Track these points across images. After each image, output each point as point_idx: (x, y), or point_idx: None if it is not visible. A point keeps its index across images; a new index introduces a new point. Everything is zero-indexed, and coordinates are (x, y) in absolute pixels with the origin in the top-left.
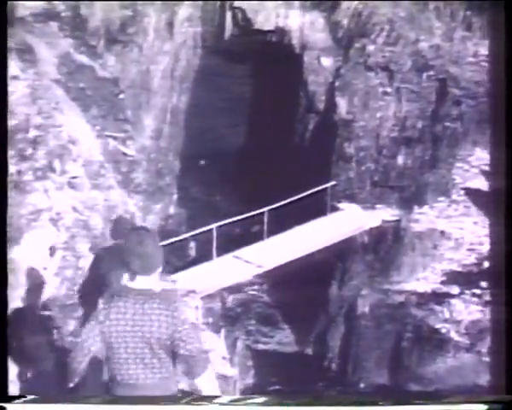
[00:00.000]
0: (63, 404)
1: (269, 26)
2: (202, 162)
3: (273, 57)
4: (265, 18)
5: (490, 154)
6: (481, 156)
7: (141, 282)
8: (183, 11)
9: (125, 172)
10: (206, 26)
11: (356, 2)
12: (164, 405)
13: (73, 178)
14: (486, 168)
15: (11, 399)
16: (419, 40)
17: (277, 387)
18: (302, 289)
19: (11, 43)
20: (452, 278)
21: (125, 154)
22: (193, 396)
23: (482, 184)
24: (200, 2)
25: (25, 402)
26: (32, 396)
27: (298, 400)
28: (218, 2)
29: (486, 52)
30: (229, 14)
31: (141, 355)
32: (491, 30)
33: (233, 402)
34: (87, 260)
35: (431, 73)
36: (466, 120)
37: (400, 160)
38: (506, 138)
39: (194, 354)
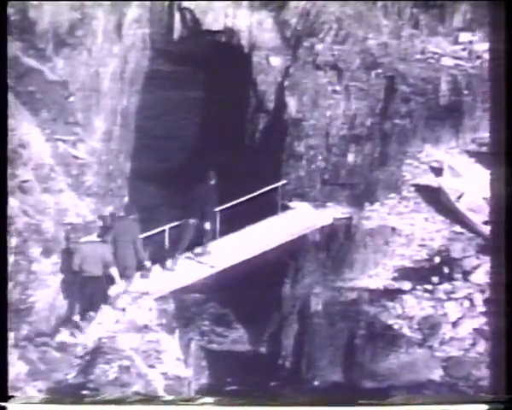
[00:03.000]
0: (63, 404)
1: (217, 27)
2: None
3: (222, 57)
4: (214, 18)
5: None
6: (431, 153)
7: None
8: (132, 13)
9: (76, 175)
10: (155, 28)
11: (304, 1)
12: (117, 405)
13: (24, 182)
14: (436, 164)
15: (11, 399)
16: (367, 38)
17: (232, 387)
18: (255, 288)
19: None
20: (404, 274)
21: (75, 157)
22: (140, 396)
23: (432, 180)
24: (149, 4)
25: (25, 402)
26: (32, 396)
27: (250, 399)
28: (167, 3)
29: (434, 49)
30: (177, 16)
31: None
32: (491, 29)
33: (184, 402)
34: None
35: (379, 70)
36: (415, 116)
37: (350, 158)
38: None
39: None
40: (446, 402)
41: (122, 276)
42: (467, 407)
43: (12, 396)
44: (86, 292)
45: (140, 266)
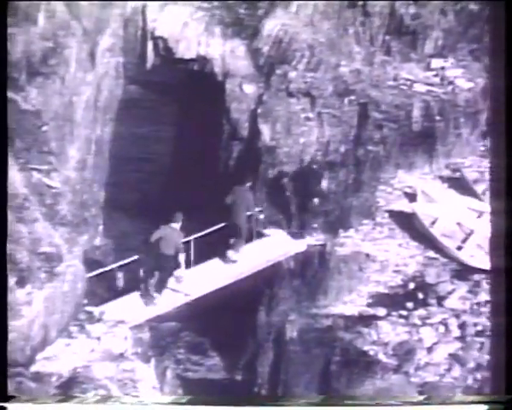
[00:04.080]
0: (63, 404)
1: (190, 55)
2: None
3: (195, 86)
4: (187, 47)
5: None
6: (404, 179)
7: None
8: (105, 42)
9: (50, 205)
10: (128, 57)
11: (277, 29)
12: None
13: None
14: (409, 190)
15: (11, 399)
16: (339, 65)
17: None
18: (230, 316)
19: None
20: (379, 300)
21: (49, 186)
22: (103, 395)
23: (405, 206)
24: (121, 33)
25: (25, 402)
26: (32, 396)
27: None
28: (140, 32)
29: (406, 75)
30: (150, 44)
31: None
32: (491, 29)
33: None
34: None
35: (352, 97)
36: (388, 143)
37: (324, 184)
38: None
39: None
40: (446, 402)
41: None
42: (467, 407)
43: (12, 396)
44: (158, 265)
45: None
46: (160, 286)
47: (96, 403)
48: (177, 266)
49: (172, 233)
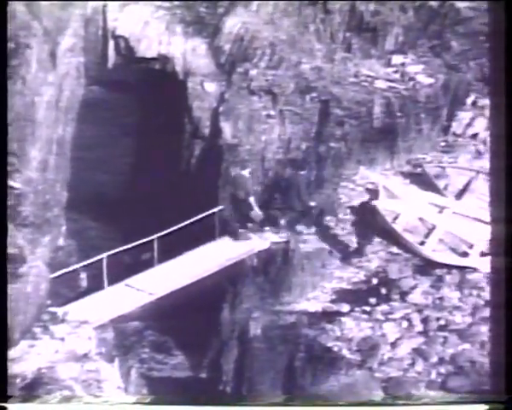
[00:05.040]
0: (63, 404)
1: (151, 54)
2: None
3: (157, 84)
4: (148, 46)
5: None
6: (366, 175)
7: None
8: (66, 42)
9: (12, 206)
10: (89, 56)
11: (237, 27)
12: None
13: None
14: (371, 186)
15: (11, 399)
16: (301, 62)
17: None
18: (194, 314)
19: None
20: (342, 296)
21: (11, 187)
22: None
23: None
24: (82, 33)
25: (25, 402)
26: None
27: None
28: (100, 31)
29: (367, 72)
30: (111, 43)
31: None
32: (491, 29)
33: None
34: None
35: (313, 94)
36: (349, 139)
37: (286, 181)
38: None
39: None
40: (446, 402)
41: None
42: (467, 407)
43: (12, 396)
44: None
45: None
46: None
47: (59, 403)
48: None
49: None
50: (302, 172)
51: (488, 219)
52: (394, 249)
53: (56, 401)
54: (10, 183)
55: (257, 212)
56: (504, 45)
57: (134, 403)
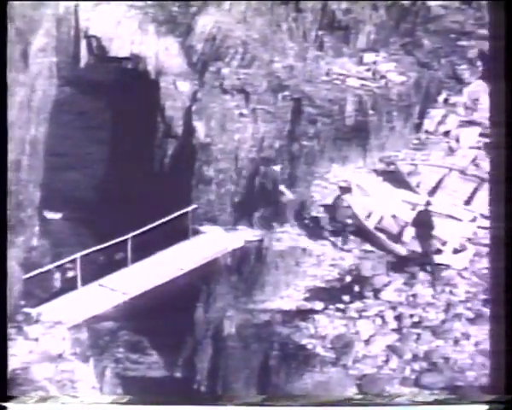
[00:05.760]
0: (63, 404)
1: (124, 53)
2: None
3: (129, 84)
4: (120, 45)
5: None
6: (338, 173)
7: None
8: (38, 42)
9: None
10: (61, 56)
11: (210, 26)
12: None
13: None
14: (344, 184)
15: (11, 399)
16: (273, 61)
17: None
18: (168, 313)
19: None
20: (316, 294)
21: None
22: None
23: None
24: (54, 33)
25: (25, 402)
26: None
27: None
28: (73, 31)
29: (339, 70)
30: (83, 43)
31: None
32: (491, 29)
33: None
34: None
35: (286, 93)
36: (322, 137)
37: (259, 180)
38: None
39: None
40: (446, 402)
41: None
42: (467, 407)
43: (12, 396)
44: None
45: None
46: None
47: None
48: None
49: None
50: (275, 171)
51: (461, 215)
52: (367, 247)
53: (33, 403)
54: None
55: (288, 196)
56: (504, 45)
57: (109, 403)
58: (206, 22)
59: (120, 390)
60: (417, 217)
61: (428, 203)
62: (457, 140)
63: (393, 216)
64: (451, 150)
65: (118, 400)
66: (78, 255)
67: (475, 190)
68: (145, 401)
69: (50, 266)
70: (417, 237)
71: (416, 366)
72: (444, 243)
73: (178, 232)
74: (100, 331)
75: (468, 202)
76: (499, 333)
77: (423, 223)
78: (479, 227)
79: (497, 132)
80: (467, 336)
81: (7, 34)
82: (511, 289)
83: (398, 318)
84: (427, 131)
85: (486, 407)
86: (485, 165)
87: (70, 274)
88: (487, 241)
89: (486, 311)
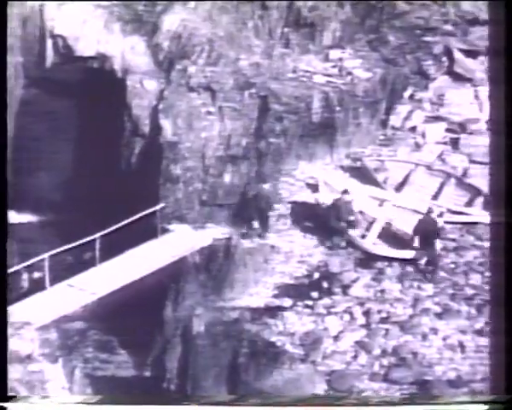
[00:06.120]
0: (63, 404)
1: (90, 53)
2: None
3: (96, 83)
4: (86, 44)
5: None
6: (306, 169)
7: None
8: None
9: None
10: (27, 56)
11: (176, 24)
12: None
13: None
14: (311, 181)
15: (11, 399)
16: (239, 59)
17: None
18: (137, 312)
19: None
20: (284, 290)
21: None
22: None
23: (308, 196)
24: (20, 32)
25: (25, 402)
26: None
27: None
28: (38, 31)
29: (305, 67)
30: (49, 43)
31: None
32: (491, 29)
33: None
34: None
35: (252, 90)
36: (289, 135)
37: (227, 178)
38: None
39: None
40: (446, 402)
41: None
42: (467, 407)
43: (12, 396)
44: None
45: None
46: None
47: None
48: None
49: None
50: (242, 168)
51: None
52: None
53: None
54: None
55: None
56: (504, 45)
57: (79, 403)
58: (172, 21)
59: (90, 390)
60: (384, 212)
61: (395, 199)
62: (423, 136)
63: (361, 212)
64: (418, 146)
65: (88, 400)
66: (46, 256)
67: (442, 185)
68: (115, 400)
69: (18, 267)
70: (384, 232)
71: (385, 362)
72: (411, 239)
73: (146, 231)
74: (69, 331)
75: (435, 197)
76: (499, 333)
77: (390, 218)
78: (446, 222)
79: (497, 133)
80: (435, 330)
81: (7, 34)
82: (510, 290)
83: (367, 313)
84: (393, 127)
85: (486, 407)
86: (451, 160)
87: (38, 275)
88: (455, 236)
89: (454, 305)
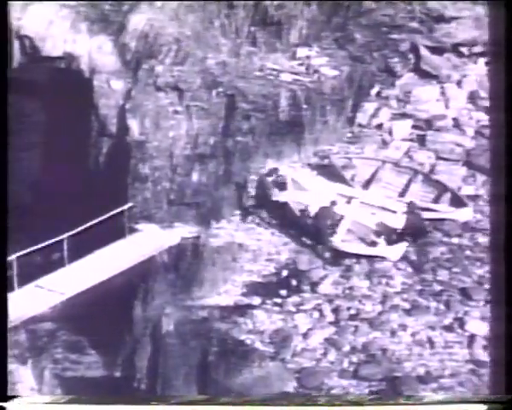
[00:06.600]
0: (63, 404)
1: (57, 53)
2: None
3: (63, 83)
4: (53, 45)
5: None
6: (274, 168)
7: None
8: None
9: None
10: None
11: (142, 24)
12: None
13: None
14: (279, 179)
15: (11, 399)
16: (206, 58)
17: None
18: (106, 312)
19: None
20: (253, 289)
21: None
22: None
23: (276, 194)
24: None
25: (24, 402)
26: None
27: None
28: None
29: (272, 65)
30: (16, 43)
31: None
32: (491, 29)
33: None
34: None
35: (220, 89)
36: (256, 133)
37: (195, 177)
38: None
39: None
40: (446, 402)
41: None
42: (467, 406)
43: (12, 396)
44: None
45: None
46: None
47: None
48: None
49: None
50: (210, 167)
51: (395, 207)
52: (304, 241)
53: None
54: None
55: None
56: (504, 45)
57: (48, 403)
58: (138, 20)
59: (59, 391)
60: (352, 210)
61: (363, 196)
62: (390, 133)
63: (328, 210)
64: (385, 143)
65: (57, 400)
66: (13, 256)
67: (409, 182)
68: (85, 400)
69: None
70: (352, 229)
71: (354, 359)
72: (379, 236)
73: (115, 231)
74: (38, 332)
75: (402, 194)
76: (499, 333)
77: (358, 216)
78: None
79: (497, 133)
80: (404, 327)
81: (7, 34)
82: (510, 289)
83: (336, 310)
84: (360, 125)
85: (486, 407)
86: (418, 156)
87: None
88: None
89: (422, 301)
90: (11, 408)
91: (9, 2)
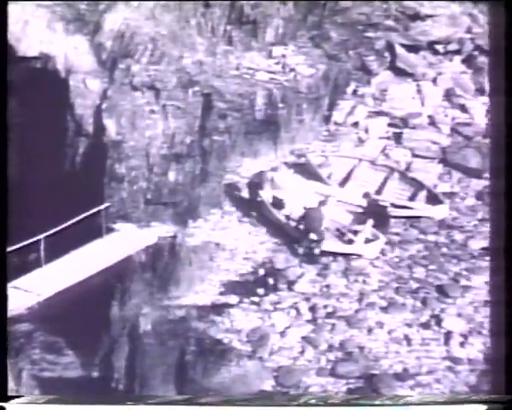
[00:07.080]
0: (63, 404)
1: (33, 53)
2: None
3: (39, 83)
4: (29, 45)
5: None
6: (250, 167)
7: None
8: None
9: None
10: None
11: (118, 23)
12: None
13: None
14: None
15: (11, 399)
16: (182, 57)
17: None
18: (83, 313)
19: None
20: (230, 288)
21: None
22: None
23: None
24: None
25: (25, 402)
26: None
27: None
28: None
29: (249, 64)
30: None
31: None
32: (491, 29)
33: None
34: None
35: (196, 88)
36: (233, 132)
37: (171, 176)
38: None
39: None
40: (446, 402)
41: None
42: (467, 406)
43: (12, 396)
44: None
45: None
46: None
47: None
48: None
49: None
50: (187, 167)
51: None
52: (280, 239)
53: None
54: None
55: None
56: (504, 45)
57: (27, 403)
58: (114, 20)
59: (37, 392)
60: (329, 208)
61: (339, 194)
62: (366, 131)
63: (305, 208)
64: (361, 141)
65: (36, 400)
66: None
67: (386, 180)
68: (63, 401)
69: None
70: (329, 227)
71: (332, 356)
72: (355, 233)
73: (91, 231)
74: (15, 333)
75: (378, 192)
76: (499, 333)
77: (335, 214)
78: (390, 216)
79: (497, 134)
80: (380, 324)
81: (7, 34)
82: (510, 289)
83: (313, 309)
84: (336, 123)
85: (486, 407)
86: (394, 154)
87: None
88: (399, 230)
89: (399, 298)
90: (11, 408)
91: None
